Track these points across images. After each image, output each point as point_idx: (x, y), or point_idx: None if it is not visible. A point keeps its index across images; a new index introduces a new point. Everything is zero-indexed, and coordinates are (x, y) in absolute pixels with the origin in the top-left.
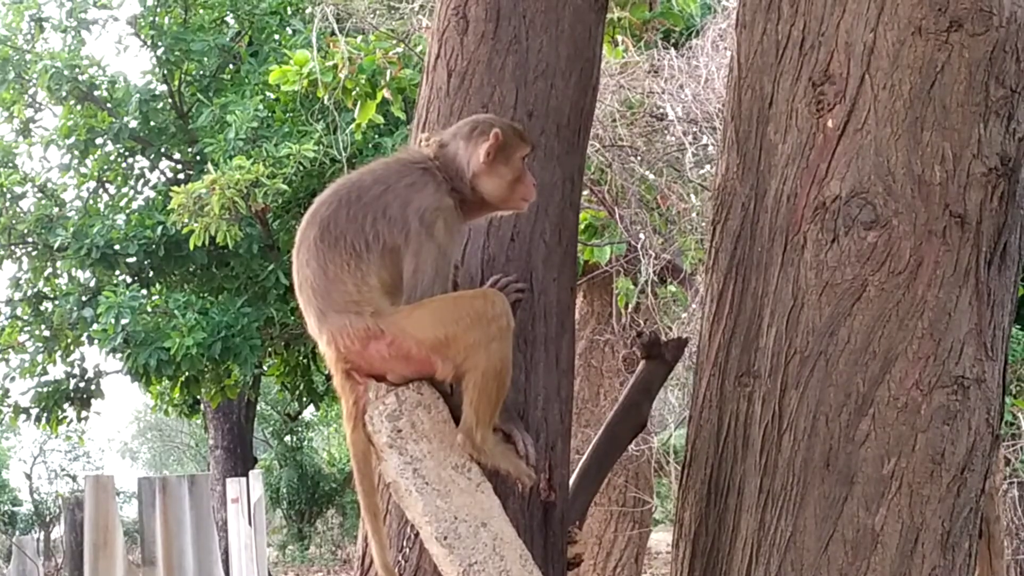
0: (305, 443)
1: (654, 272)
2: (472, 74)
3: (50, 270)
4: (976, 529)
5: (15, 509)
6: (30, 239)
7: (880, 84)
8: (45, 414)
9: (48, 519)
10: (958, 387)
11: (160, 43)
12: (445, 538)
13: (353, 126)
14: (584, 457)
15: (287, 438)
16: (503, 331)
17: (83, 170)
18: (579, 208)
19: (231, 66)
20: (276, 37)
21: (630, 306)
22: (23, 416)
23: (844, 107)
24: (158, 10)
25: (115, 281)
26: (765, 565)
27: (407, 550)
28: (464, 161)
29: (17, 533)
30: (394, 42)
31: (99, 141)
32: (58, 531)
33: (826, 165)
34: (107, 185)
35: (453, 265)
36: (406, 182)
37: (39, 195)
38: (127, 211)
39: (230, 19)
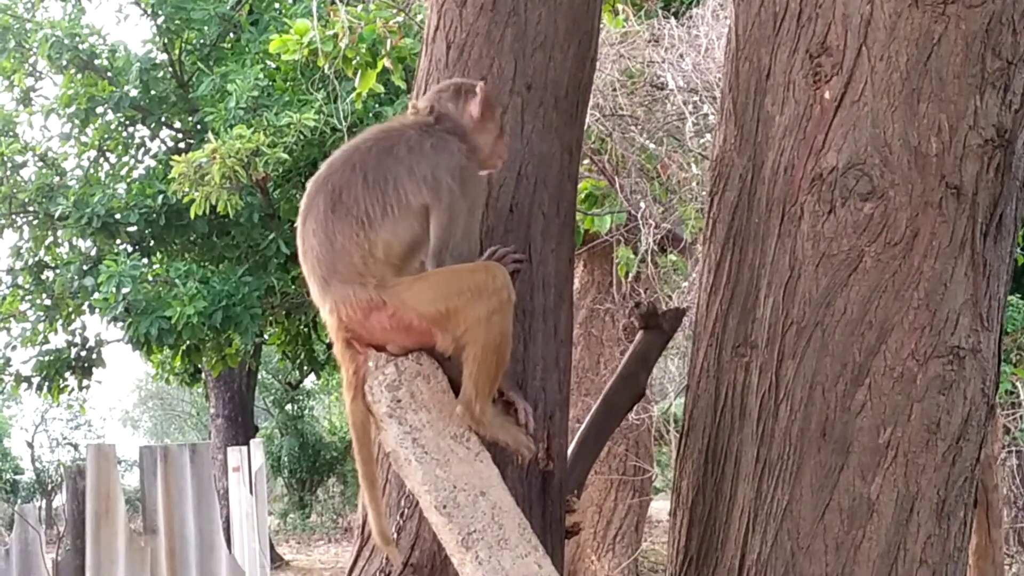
0: (306, 412)
1: (654, 241)
2: (471, 46)
3: (51, 239)
4: (971, 498)
5: (17, 477)
6: (31, 208)
7: (877, 56)
8: (46, 383)
9: (50, 487)
10: (954, 357)
11: (160, 12)
12: (444, 507)
13: (353, 95)
14: (582, 427)
15: (288, 407)
16: (503, 304)
17: (84, 139)
18: (577, 180)
19: (231, 35)
20: (276, 6)
21: (630, 275)
22: (24, 385)
23: (841, 79)
24: None
25: (116, 250)
26: (762, 533)
27: (406, 519)
28: (457, 118)
29: (19, 501)
30: (394, 11)
31: (100, 110)
32: (60, 499)
33: (823, 137)
34: (108, 154)
35: (481, 223)
36: (431, 143)
37: (40, 164)
38: (128, 180)
39: None
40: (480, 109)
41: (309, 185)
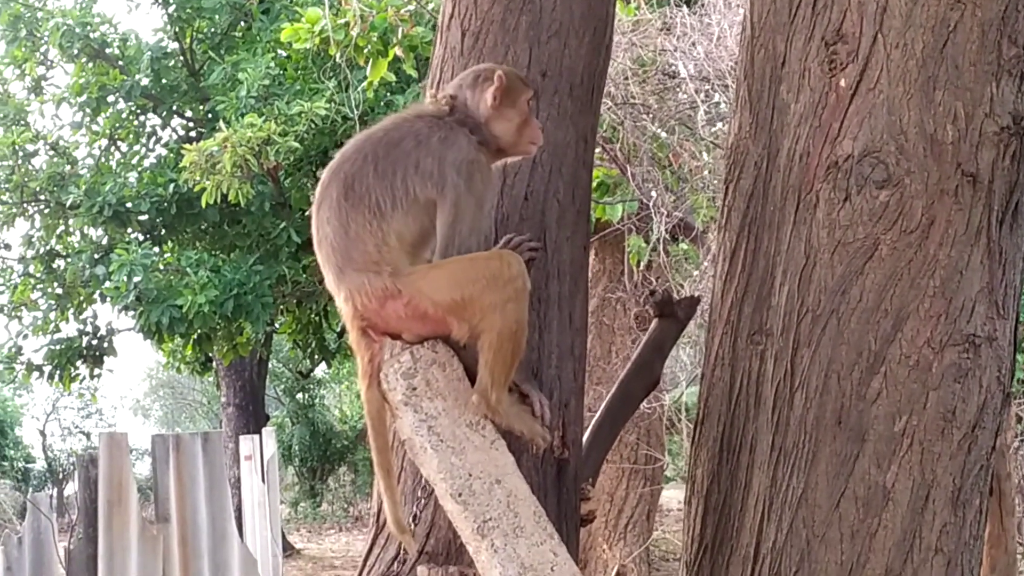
0: (317, 400)
1: (666, 230)
2: (486, 34)
3: (62, 228)
4: (987, 486)
5: (28, 466)
6: (42, 197)
7: (893, 43)
8: (58, 371)
9: (61, 476)
10: (969, 345)
11: (171, 0)
12: (460, 495)
13: (365, 84)
14: (597, 415)
15: (299, 395)
16: (519, 293)
17: (95, 128)
18: (592, 167)
19: (242, 23)
20: None
21: (642, 264)
22: (36, 373)
23: (857, 66)
24: None
25: (127, 239)
26: (777, 522)
27: (422, 507)
28: (475, 109)
29: (31, 490)
30: None
31: (111, 99)
32: (71, 488)
33: (838, 124)
34: (119, 143)
35: (491, 217)
36: (438, 137)
37: (51, 153)
38: (139, 169)
39: None
40: (496, 97)
41: (324, 174)
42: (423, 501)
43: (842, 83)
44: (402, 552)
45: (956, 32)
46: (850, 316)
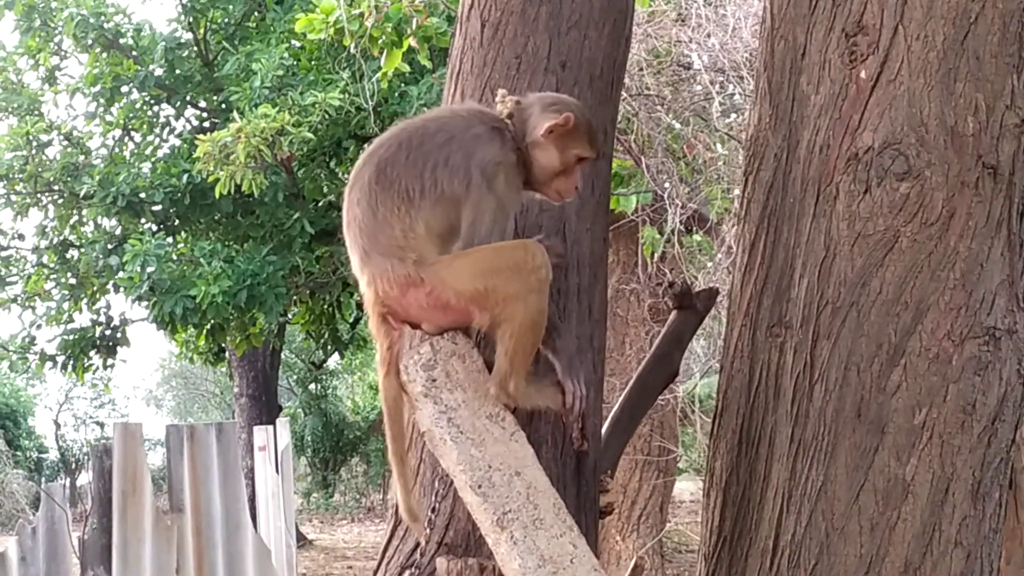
0: (329, 391)
1: (680, 221)
2: (506, 24)
3: (76, 218)
4: (1006, 479)
5: (41, 456)
6: (56, 187)
7: (913, 35)
8: (71, 361)
9: (74, 466)
10: (989, 338)
11: None
12: (479, 487)
13: (379, 75)
14: (616, 407)
15: (312, 386)
16: (542, 283)
17: (109, 118)
18: (611, 159)
19: (256, 14)
20: None
21: (656, 255)
22: (49, 363)
23: (877, 58)
24: None
25: (141, 229)
26: (796, 514)
27: (441, 498)
28: (530, 127)
29: (44, 480)
30: None
31: (125, 89)
32: (84, 478)
33: (859, 116)
34: (133, 133)
35: (512, 219)
36: (472, 133)
37: (65, 143)
38: (153, 159)
39: None
40: (550, 131)
41: (360, 158)
42: (442, 493)
43: (862, 75)
44: (421, 543)
45: (977, 24)
46: (870, 308)
